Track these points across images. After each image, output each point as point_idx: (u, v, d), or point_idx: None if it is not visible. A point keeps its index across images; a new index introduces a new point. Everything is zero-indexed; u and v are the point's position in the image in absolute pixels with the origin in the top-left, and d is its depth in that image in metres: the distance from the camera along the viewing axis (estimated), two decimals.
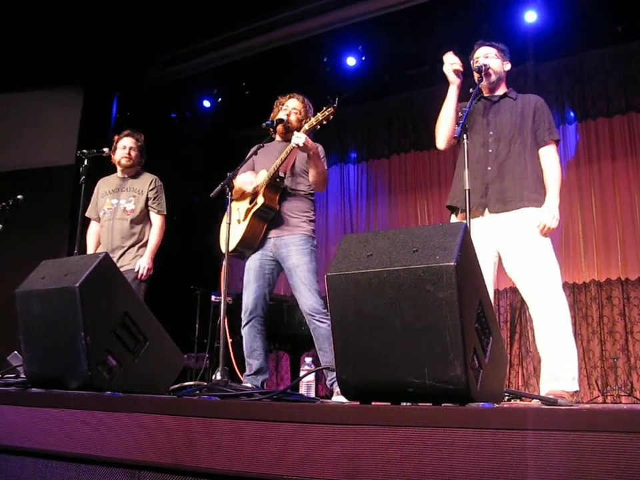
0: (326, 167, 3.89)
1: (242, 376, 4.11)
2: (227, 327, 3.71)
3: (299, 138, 3.59)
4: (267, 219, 3.78)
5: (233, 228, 3.84)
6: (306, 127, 3.68)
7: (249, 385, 3.61)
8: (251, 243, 3.80)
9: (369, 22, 6.65)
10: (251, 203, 3.82)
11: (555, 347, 3.10)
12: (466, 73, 3.51)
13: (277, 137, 4.06)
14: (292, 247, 3.75)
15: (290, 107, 3.99)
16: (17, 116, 7.33)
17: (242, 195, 3.91)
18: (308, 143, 3.62)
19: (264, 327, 3.80)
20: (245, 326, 3.78)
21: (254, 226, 3.76)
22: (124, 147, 4.62)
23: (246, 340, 3.77)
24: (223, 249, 3.83)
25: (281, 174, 3.80)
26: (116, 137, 4.72)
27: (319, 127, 3.71)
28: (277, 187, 3.79)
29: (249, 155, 3.83)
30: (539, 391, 3.25)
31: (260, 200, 3.73)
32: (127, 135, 4.69)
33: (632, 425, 1.26)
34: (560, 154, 3.53)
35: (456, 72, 3.43)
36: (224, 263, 3.85)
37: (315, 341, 3.69)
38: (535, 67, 7.11)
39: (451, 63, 3.44)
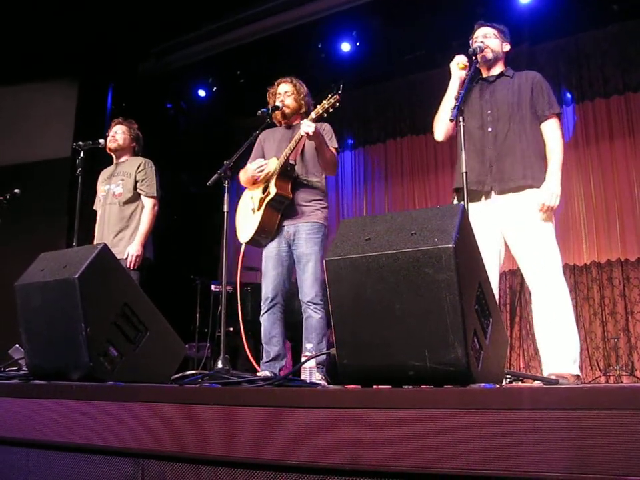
0: (336, 146, 3.91)
1: (255, 363, 4.14)
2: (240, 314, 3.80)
3: (309, 127, 3.61)
4: (281, 208, 3.80)
5: (248, 217, 3.89)
6: (313, 115, 3.68)
7: (267, 372, 3.64)
8: (268, 232, 3.83)
9: (363, 7, 6.60)
10: (264, 192, 3.84)
11: (556, 329, 3.10)
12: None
13: (278, 124, 4.08)
14: (303, 234, 3.78)
15: (282, 92, 4.01)
16: (12, 110, 7.29)
17: (254, 184, 3.94)
18: (316, 132, 3.64)
19: (283, 315, 3.84)
20: (264, 313, 3.82)
21: (269, 215, 3.79)
22: (111, 133, 4.65)
23: (264, 327, 3.81)
24: (240, 238, 3.93)
25: (292, 161, 3.82)
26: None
27: (325, 115, 3.72)
28: (288, 176, 3.81)
29: (247, 142, 3.82)
30: (540, 373, 3.25)
31: (273, 190, 3.74)
32: (117, 123, 4.70)
33: (632, 402, 1.26)
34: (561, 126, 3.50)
35: (461, 67, 3.42)
36: (241, 250, 3.98)
37: (304, 331, 3.72)
38: (531, 48, 7.06)
39: (458, 61, 3.45)
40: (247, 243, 3.90)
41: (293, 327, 5.35)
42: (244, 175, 4.00)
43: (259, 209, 3.82)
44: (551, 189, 3.21)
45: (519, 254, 3.27)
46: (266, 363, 3.75)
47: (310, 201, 3.85)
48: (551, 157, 3.31)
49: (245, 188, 4.07)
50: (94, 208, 4.68)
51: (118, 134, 4.62)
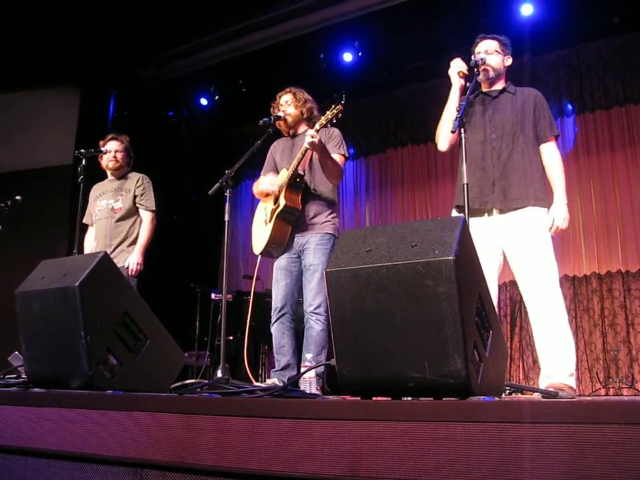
0: (343, 152, 3.91)
1: (251, 374, 4.15)
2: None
3: (311, 138, 3.60)
4: (292, 220, 3.82)
5: (261, 228, 3.94)
6: (317, 126, 3.67)
7: (275, 380, 3.65)
8: (279, 243, 3.86)
9: (365, 17, 6.63)
10: (275, 203, 3.86)
11: (552, 341, 3.11)
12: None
13: (285, 134, 4.12)
14: (312, 245, 3.79)
15: (283, 103, 4.06)
16: (14, 116, 7.31)
17: (267, 196, 3.96)
18: (319, 144, 3.64)
19: (293, 325, 3.86)
20: (274, 323, 3.85)
21: (279, 227, 3.81)
22: (109, 151, 4.67)
23: (274, 337, 3.84)
24: (254, 249, 3.98)
25: (300, 172, 3.83)
26: (100, 143, 4.74)
27: (329, 125, 3.73)
28: (298, 187, 3.82)
29: (249, 152, 3.79)
30: (539, 385, 3.24)
31: (282, 202, 3.76)
32: (111, 139, 4.74)
33: (633, 416, 1.26)
34: (559, 148, 3.52)
35: (461, 75, 3.43)
36: (257, 261, 4.02)
37: (304, 341, 3.74)
38: (532, 60, 7.08)
39: (457, 65, 3.45)
40: (260, 254, 3.95)
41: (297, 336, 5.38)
42: (256, 188, 4.05)
43: (270, 221, 3.84)
44: (562, 213, 3.25)
45: (518, 268, 3.28)
46: (276, 371, 3.78)
47: (320, 212, 3.86)
48: (555, 181, 3.34)
49: (259, 199, 4.10)
50: (84, 222, 4.71)
51: (118, 154, 4.68)
